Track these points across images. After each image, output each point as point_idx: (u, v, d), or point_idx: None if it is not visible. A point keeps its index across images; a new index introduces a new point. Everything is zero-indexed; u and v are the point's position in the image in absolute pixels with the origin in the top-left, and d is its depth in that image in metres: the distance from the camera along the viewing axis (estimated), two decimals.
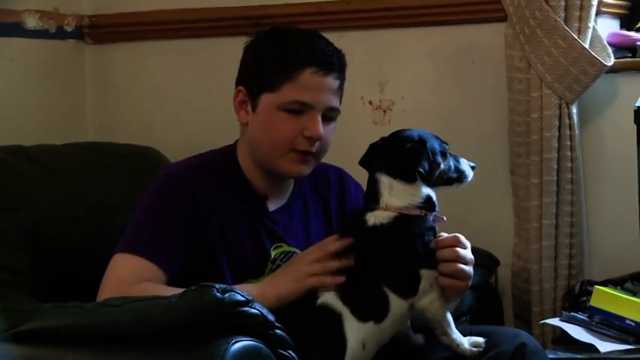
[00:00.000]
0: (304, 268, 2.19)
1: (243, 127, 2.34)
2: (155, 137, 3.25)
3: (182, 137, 3.38)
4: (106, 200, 2.67)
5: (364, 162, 2.28)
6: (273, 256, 2.31)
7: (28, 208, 2.51)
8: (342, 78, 2.31)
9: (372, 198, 2.20)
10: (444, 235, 2.19)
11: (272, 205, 2.35)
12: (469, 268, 2.19)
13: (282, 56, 2.27)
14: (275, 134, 2.26)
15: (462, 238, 2.20)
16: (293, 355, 1.96)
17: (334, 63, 2.28)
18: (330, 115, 2.28)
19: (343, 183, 2.47)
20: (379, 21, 3.19)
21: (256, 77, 2.30)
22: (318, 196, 2.43)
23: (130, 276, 2.16)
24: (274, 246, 2.32)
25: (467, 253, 2.20)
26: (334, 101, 2.29)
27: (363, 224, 2.19)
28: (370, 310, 2.14)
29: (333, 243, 2.21)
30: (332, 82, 2.27)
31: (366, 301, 2.14)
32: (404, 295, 2.15)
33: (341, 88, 2.31)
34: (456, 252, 2.17)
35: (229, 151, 2.37)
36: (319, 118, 2.25)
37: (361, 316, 2.13)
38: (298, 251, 2.33)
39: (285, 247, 2.33)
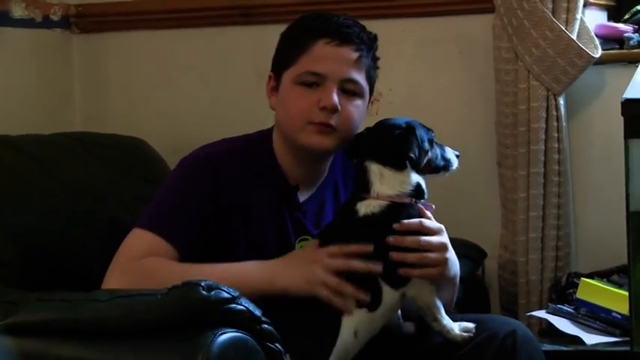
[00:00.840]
0: (321, 274, 2.13)
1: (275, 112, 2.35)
2: (143, 128, 3.24)
3: (170, 128, 3.37)
4: (92, 190, 2.66)
5: (350, 152, 2.27)
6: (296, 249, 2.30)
7: (14, 198, 2.50)
8: (363, 51, 2.28)
9: (362, 187, 2.19)
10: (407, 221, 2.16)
11: (303, 195, 2.35)
12: (438, 255, 2.16)
13: (299, 32, 2.29)
14: (292, 109, 2.26)
15: (428, 223, 2.17)
16: (280, 347, 1.96)
17: (351, 34, 2.27)
18: (350, 88, 2.27)
19: None
20: (367, 12, 3.17)
21: (279, 57, 2.33)
22: (349, 181, 2.41)
23: (141, 250, 2.19)
24: (299, 239, 2.32)
25: (434, 239, 2.17)
26: (352, 73, 2.26)
27: (354, 215, 2.18)
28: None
29: (358, 251, 2.16)
30: (348, 52, 2.26)
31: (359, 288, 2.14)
32: (395, 286, 2.15)
33: (363, 63, 2.28)
34: (419, 240, 2.14)
35: (265, 138, 2.37)
36: (333, 88, 2.24)
37: (355, 304, 2.13)
38: None
39: (311, 241, 2.32)
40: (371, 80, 2.34)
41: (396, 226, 2.14)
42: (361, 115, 2.32)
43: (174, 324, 1.90)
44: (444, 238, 2.20)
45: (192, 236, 2.22)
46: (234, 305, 1.91)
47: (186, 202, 2.24)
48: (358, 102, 2.30)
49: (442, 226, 2.21)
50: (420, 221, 2.17)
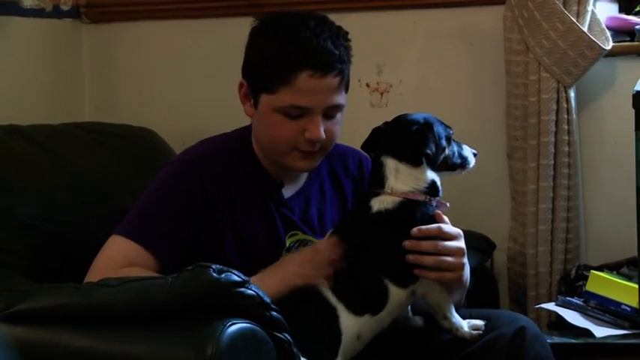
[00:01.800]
0: (293, 268, 2.16)
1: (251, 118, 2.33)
2: (152, 118, 3.24)
3: (179, 118, 3.37)
4: (101, 180, 2.66)
5: (367, 146, 2.27)
6: (288, 245, 2.31)
7: (24, 188, 2.50)
8: (343, 71, 2.23)
9: (376, 182, 2.19)
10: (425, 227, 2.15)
11: (288, 191, 2.35)
12: (456, 260, 2.16)
13: (278, 56, 2.20)
14: (276, 136, 2.24)
15: (447, 228, 2.17)
16: (288, 337, 1.96)
17: (332, 61, 2.20)
18: (332, 112, 2.25)
19: (362, 167, 2.45)
20: (378, 3, 3.18)
21: (255, 76, 2.26)
22: (335, 180, 2.42)
23: (120, 259, 2.18)
24: (289, 234, 2.32)
25: (452, 244, 2.16)
26: (335, 99, 2.23)
27: (367, 211, 2.17)
28: (366, 303, 2.13)
29: (330, 249, 2.18)
30: (331, 81, 2.20)
31: (362, 295, 2.13)
32: (405, 284, 2.14)
33: (343, 82, 2.24)
34: (437, 245, 2.13)
35: (244, 137, 2.35)
36: (319, 120, 2.21)
37: (356, 311, 2.13)
38: (314, 239, 2.32)
39: (301, 235, 2.33)
40: (348, 83, 2.29)
41: (414, 231, 2.13)
42: (341, 123, 2.30)
43: (185, 307, 1.90)
44: (462, 244, 2.19)
45: (173, 244, 2.22)
46: (244, 289, 1.91)
47: (169, 210, 2.22)
48: (339, 116, 2.28)
49: (460, 232, 2.20)
50: (440, 227, 2.16)
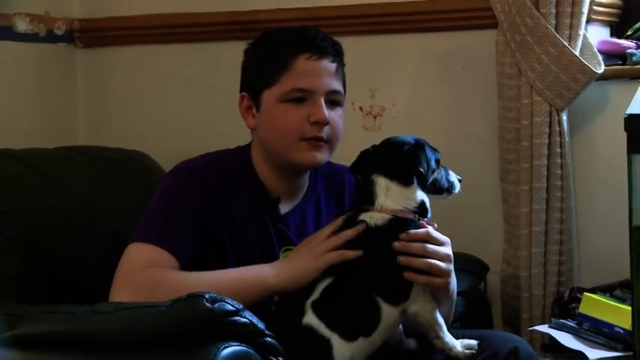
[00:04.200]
0: (319, 247, 2.18)
1: (253, 132, 2.35)
2: (145, 141, 3.24)
3: (172, 141, 3.38)
4: (96, 204, 2.66)
5: (355, 168, 2.28)
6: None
7: (18, 211, 2.50)
8: (338, 62, 2.31)
9: (366, 199, 2.19)
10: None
11: (285, 207, 2.36)
12: (445, 265, 2.17)
13: (275, 50, 2.28)
14: (282, 127, 2.26)
15: (436, 233, 2.19)
16: None
17: (326, 46, 2.28)
18: (334, 99, 2.29)
19: (358, 185, 2.46)
20: (371, 27, 3.19)
21: (254, 77, 2.31)
22: (332, 198, 2.44)
23: (142, 261, 2.17)
24: (283, 249, 2.32)
25: (441, 249, 2.18)
26: (335, 84, 2.29)
27: (356, 225, 2.18)
28: (359, 327, 2.13)
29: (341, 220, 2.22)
30: (328, 64, 2.28)
31: (354, 318, 2.13)
32: (395, 302, 2.14)
33: (340, 72, 2.31)
34: (427, 247, 2.15)
35: (244, 154, 2.37)
36: (322, 102, 2.26)
37: (350, 337, 2.12)
38: None
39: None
40: (345, 88, 2.36)
41: (402, 235, 2.15)
42: (343, 123, 2.34)
43: (179, 336, 1.90)
44: (449, 250, 2.21)
45: (189, 245, 2.22)
46: (237, 318, 1.91)
47: (179, 212, 2.24)
48: (340, 111, 2.32)
49: (448, 239, 2.22)
50: (428, 231, 2.18)
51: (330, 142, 2.29)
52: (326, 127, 2.27)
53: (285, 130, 2.26)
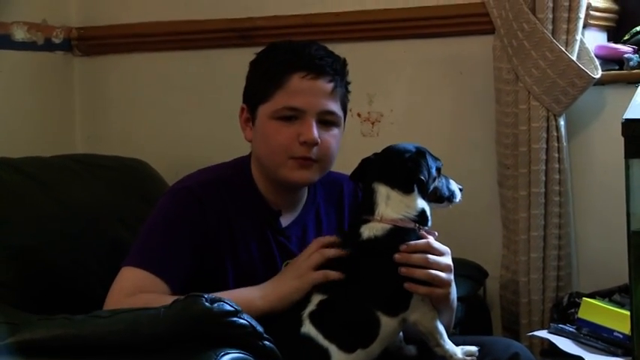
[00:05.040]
0: (304, 264, 2.18)
1: (250, 143, 2.35)
2: (143, 149, 3.25)
3: (170, 149, 3.38)
4: (93, 211, 2.66)
5: (356, 176, 2.27)
6: None
7: (16, 220, 2.50)
8: (337, 81, 2.28)
9: (366, 209, 2.19)
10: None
11: (285, 220, 2.35)
12: (445, 275, 2.17)
13: (272, 66, 2.27)
14: (272, 143, 2.26)
15: (436, 244, 2.19)
16: None
17: (324, 65, 2.26)
18: (327, 119, 2.27)
19: (357, 192, 2.45)
20: (368, 33, 3.19)
21: (253, 91, 2.31)
22: (331, 208, 2.43)
23: (131, 288, 2.17)
24: (285, 263, 2.31)
25: (441, 259, 2.18)
26: (329, 105, 2.27)
27: (357, 238, 2.18)
28: (357, 339, 2.13)
29: (327, 239, 2.22)
30: (324, 85, 2.25)
31: (352, 331, 2.13)
32: (394, 313, 2.14)
33: (338, 92, 2.29)
34: (428, 258, 2.15)
35: (242, 165, 2.37)
36: (312, 122, 2.24)
37: (348, 349, 2.12)
38: None
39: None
40: (345, 107, 2.35)
41: (403, 247, 2.14)
42: (339, 143, 2.32)
43: (178, 337, 1.90)
44: (450, 261, 2.20)
45: (182, 270, 2.22)
46: (236, 319, 1.92)
47: (174, 237, 2.23)
48: (335, 131, 2.30)
49: (448, 249, 2.21)
50: (428, 242, 2.17)
51: (320, 162, 2.28)
52: (315, 148, 2.25)
53: (275, 147, 2.26)
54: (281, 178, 2.28)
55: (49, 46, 3.36)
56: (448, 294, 2.19)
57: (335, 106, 2.28)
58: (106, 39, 3.46)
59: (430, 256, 2.15)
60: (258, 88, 2.29)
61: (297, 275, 2.18)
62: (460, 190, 2.30)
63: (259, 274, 2.28)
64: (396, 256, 2.14)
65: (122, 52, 3.46)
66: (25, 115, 3.26)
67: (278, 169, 2.27)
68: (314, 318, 2.14)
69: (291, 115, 2.24)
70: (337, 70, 2.29)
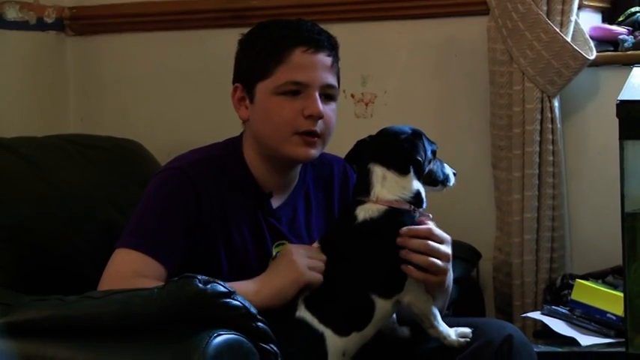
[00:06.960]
0: (299, 260, 2.17)
1: (246, 123, 2.34)
2: (137, 130, 3.24)
3: (164, 130, 3.37)
4: (86, 193, 2.65)
5: (351, 157, 2.27)
6: (274, 254, 2.30)
7: (8, 200, 2.49)
8: (334, 56, 2.31)
9: (362, 190, 2.19)
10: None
11: (276, 201, 2.35)
12: (443, 264, 2.17)
13: (270, 42, 2.27)
14: (275, 119, 2.25)
15: (438, 231, 2.19)
16: (275, 349, 1.96)
17: (323, 40, 2.28)
18: (328, 93, 2.28)
19: (347, 173, 2.46)
20: (362, 14, 3.18)
21: (249, 69, 2.30)
22: (321, 189, 2.43)
23: (127, 271, 2.16)
24: (276, 244, 2.31)
25: (441, 247, 2.18)
26: (330, 78, 2.28)
27: (353, 221, 2.17)
28: (352, 323, 2.13)
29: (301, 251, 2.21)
30: (324, 58, 2.27)
31: (347, 315, 2.13)
32: (389, 295, 2.15)
33: (335, 67, 2.31)
34: (428, 244, 2.15)
35: (234, 146, 2.36)
36: (317, 96, 2.25)
37: (343, 332, 2.13)
38: None
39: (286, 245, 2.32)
40: (340, 83, 2.36)
41: (403, 230, 2.14)
42: (336, 118, 2.33)
43: (171, 318, 1.90)
44: (449, 250, 2.20)
45: (177, 251, 2.21)
46: (229, 300, 1.91)
47: (169, 218, 2.22)
48: (334, 106, 2.31)
49: (449, 238, 2.22)
50: (430, 228, 2.17)
51: (323, 137, 2.28)
52: (320, 122, 2.26)
53: (279, 123, 2.25)
54: (284, 154, 2.27)
55: (41, 25, 3.34)
56: (443, 282, 2.20)
57: (334, 80, 2.31)
58: (98, 19, 3.44)
59: (430, 243, 2.15)
60: (256, 65, 2.28)
61: (291, 272, 2.17)
62: (454, 174, 2.30)
63: (250, 255, 2.28)
64: (398, 239, 2.14)
65: (115, 31, 3.45)
66: (17, 95, 3.25)
67: (281, 145, 2.26)
68: (309, 303, 2.14)
69: (295, 90, 2.25)
70: (333, 45, 2.32)
